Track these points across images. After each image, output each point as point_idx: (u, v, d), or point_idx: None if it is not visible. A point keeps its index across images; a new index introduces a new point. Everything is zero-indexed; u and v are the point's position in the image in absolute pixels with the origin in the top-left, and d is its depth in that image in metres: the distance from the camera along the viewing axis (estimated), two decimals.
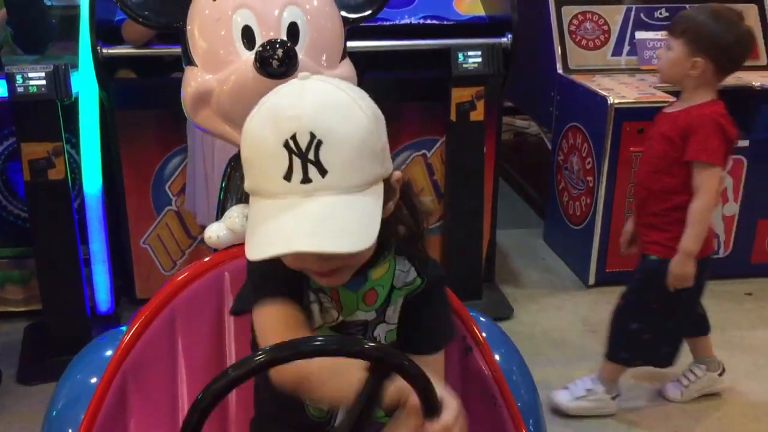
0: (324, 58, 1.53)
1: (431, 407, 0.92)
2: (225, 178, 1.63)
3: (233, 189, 1.59)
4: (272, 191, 0.96)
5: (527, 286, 3.34)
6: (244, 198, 1.55)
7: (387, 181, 1.04)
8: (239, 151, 1.55)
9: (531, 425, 1.43)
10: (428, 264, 1.16)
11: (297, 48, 1.44)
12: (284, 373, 1.00)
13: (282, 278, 1.10)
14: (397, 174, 1.08)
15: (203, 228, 1.68)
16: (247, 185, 1.01)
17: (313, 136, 0.94)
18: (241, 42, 1.48)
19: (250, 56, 1.43)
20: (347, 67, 1.60)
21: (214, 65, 1.49)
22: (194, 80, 1.51)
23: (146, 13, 1.61)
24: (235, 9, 1.48)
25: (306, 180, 0.94)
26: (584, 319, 3.06)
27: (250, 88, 1.42)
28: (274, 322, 1.09)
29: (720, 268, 3.32)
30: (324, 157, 0.94)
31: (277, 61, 1.38)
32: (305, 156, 0.94)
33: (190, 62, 1.54)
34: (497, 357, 1.41)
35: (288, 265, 1.06)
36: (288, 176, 0.94)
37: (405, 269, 1.15)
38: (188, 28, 1.55)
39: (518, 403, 1.35)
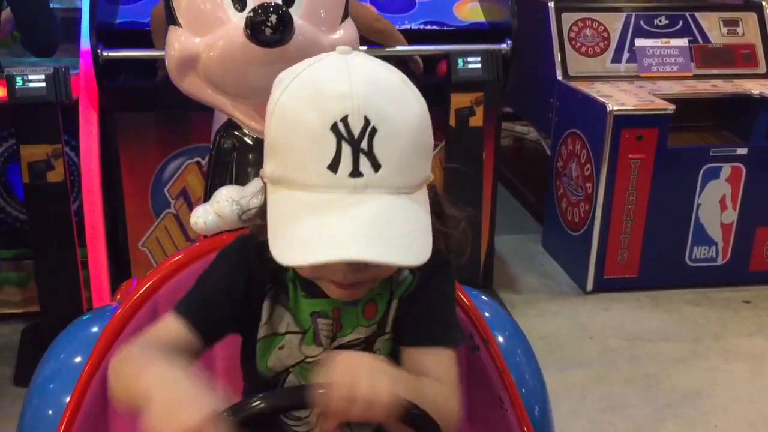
0: (323, 20, 1.37)
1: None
2: (213, 149, 1.48)
3: (222, 163, 1.45)
4: (311, 183, 0.82)
5: (525, 291, 3.34)
6: (234, 176, 1.43)
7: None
8: (228, 121, 1.45)
9: (536, 412, 1.38)
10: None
11: (292, 10, 1.29)
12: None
13: (214, 305, 0.99)
14: (431, 177, 0.95)
15: None
16: (273, 172, 0.87)
17: (367, 121, 0.81)
18: (230, 1, 1.32)
19: (240, 20, 1.28)
20: (349, 28, 1.42)
21: (200, 26, 1.35)
22: (178, 42, 1.37)
23: None
24: None
25: (356, 173, 0.81)
26: (582, 326, 3.06)
27: (240, 56, 1.30)
28: (156, 334, 0.97)
29: (718, 276, 3.34)
30: (378, 148, 0.81)
31: (270, 28, 1.24)
32: (357, 145, 0.80)
33: (174, 22, 1.39)
34: (501, 339, 1.34)
35: (302, 269, 0.94)
36: (334, 167, 0.81)
37: (398, 275, 1.02)
38: None
39: (523, 389, 1.30)
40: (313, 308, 1.01)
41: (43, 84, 2.40)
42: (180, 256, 1.34)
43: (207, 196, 1.42)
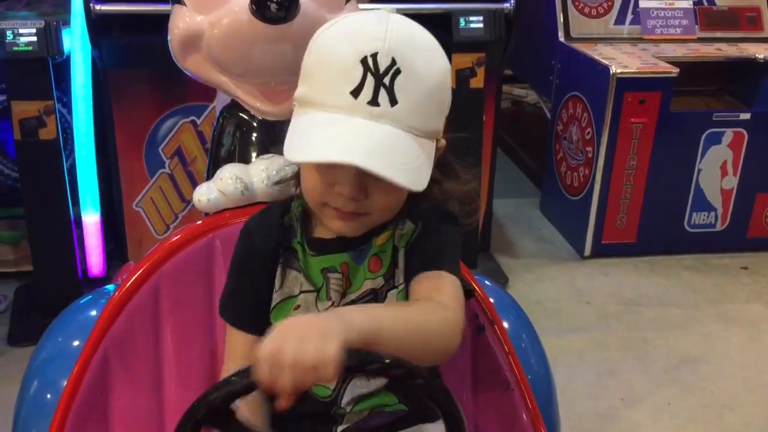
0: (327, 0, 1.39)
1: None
2: (216, 129, 1.48)
3: (225, 142, 1.46)
4: (333, 104, 0.91)
5: (523, 256, 3.33)
6: (237, 156, 1.44)
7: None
8: (232, 101, 1.47)
9: (542, 397, 1.38)
10: (428, 209, 1.06)
11: None
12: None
13: (243, 294, 1.09)
14: (443, 142, 1.03)
15: None
16: (302, 94, 0.96)
17: (393, 62, 0.90)
18: None
19: None
20: (352, 9, 1.43)
21: (205, 5, 1.36)
22: (182, 21, 1.38)
23: None
24: None
25: (374, 102, 0.90)
26: (579, 290, 3.05)
27: (245, 34, 1.31)
28: (229, 351, 1.10)
29: (716, 242, 3.33)
30: (398, 87, 0.90)
31: (276, 5, 1.27)
32: (381, 79, 0.89)
33: (179, 0, 1.41)
34: (506, 325, 1.33)
35: (311, 188, 0.99)
36: (356, 93, 0.90)
37: (402, 226, 1.06)
38: None
39: (528, 375, 1.29)
40: (324, 264, 1.06)
41: (35, 38, 2.35)
42: (178, 236, 1.32)
43: (209, 175, 1.43)
